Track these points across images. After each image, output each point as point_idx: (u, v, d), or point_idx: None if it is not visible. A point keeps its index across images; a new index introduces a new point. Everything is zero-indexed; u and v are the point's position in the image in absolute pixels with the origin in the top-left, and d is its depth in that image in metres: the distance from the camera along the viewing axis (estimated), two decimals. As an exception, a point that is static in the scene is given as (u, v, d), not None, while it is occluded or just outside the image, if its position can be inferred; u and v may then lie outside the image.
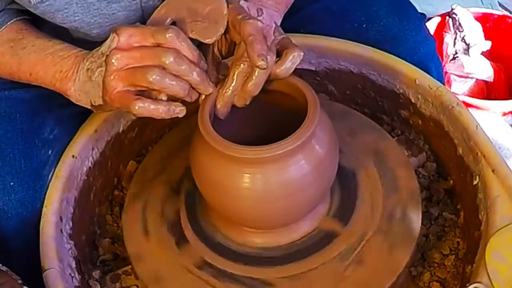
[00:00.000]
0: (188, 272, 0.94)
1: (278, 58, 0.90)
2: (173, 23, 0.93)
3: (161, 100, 0.87)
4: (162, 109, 0.87)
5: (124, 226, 1.01)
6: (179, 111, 0.88)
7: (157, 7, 0.95)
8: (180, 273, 0.94)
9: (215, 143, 0.86)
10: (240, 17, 0.89)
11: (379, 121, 1.13)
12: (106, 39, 0.90)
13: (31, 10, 0.98)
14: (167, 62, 0.85)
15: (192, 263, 0.94)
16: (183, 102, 0.89)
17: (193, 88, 0.89)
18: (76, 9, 0.98)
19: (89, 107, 0.96)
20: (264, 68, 0.86)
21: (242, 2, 0.94)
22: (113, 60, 0.87)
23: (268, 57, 0.86)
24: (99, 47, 0.92)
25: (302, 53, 0.90)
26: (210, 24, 0.91)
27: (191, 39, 0.90)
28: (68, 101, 0.98)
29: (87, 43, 0.98)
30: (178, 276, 0.94)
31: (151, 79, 0.85)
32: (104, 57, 0.89)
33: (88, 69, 0.92)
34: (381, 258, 0.92)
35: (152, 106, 0.86)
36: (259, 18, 0.94)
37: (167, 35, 0.86)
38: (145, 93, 0.87)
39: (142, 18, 1.00)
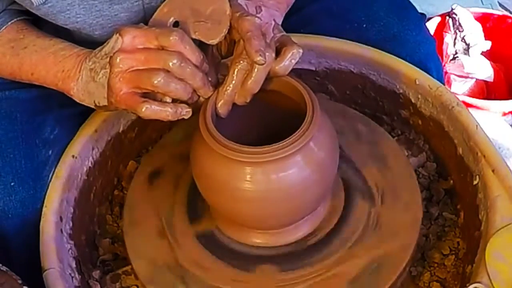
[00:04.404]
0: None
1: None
2: (175, 23, 0.93)
3: (167, 102, 0.87)
4: (169, 112, 0.87)
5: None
6: (186, 112, 0.88)
7: (160, 7, 0.95)
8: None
9: (216, 143, 0.86)
10: (238, 14, 0.89)
11: (379, 121, 1.12)
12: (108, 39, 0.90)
13: (33, 11, 0.98)
14: (171, 65, 0.85)
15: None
16: (185, 102, 0.89)
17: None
18: (78, 11, 0.98)
19: (93, 107, 0.96)
20: (262, 64, 0.85)
21: (240, 0, 0.94)
22: (118, 62, 0.87)
23: (267, 53, 0.86)
24: (101, 47, 0.92)
25: (301, 50, 0.90)
26: (213, 24, 0.90)
27: (193, 39, 0.89)
28: (69, 101, 0.98)
29: (89, 44, 0.98)
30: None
31: (156, 82, 0.85)
32: (108, 58, 0.89)
33: (91, 69, 0.92)
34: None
35: (159, 108, 0.86)
36: (257, 15, 0.94)
37: (171, 38, 0.86)
38: (150, 95, 0.87)
39: (144, 20, 1.00)
